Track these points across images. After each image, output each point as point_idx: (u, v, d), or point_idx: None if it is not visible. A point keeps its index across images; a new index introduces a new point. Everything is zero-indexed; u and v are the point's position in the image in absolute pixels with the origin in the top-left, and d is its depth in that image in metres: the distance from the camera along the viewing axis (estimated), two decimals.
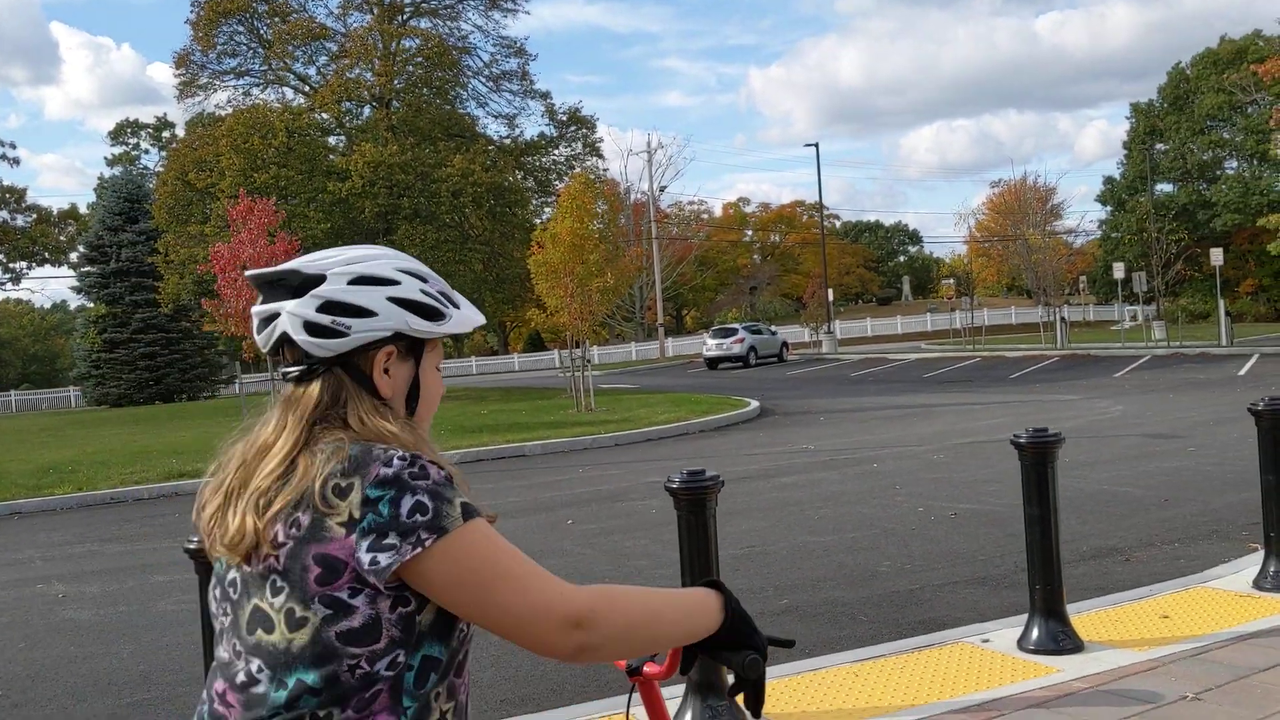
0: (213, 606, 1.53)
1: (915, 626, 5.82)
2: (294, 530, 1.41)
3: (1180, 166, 60.92)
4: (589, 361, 25.26)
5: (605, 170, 47.32)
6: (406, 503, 1.39)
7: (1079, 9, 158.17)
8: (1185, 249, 45.56)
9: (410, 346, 1.56)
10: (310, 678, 1.39)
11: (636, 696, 1.89)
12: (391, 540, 1.37)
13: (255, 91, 40.16)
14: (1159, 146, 62.36)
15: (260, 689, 1.41)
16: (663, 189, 68.01)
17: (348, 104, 37.70)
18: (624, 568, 7.76)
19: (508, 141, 40.31)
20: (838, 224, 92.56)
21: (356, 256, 1.55)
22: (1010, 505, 9.07)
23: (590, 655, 1.43)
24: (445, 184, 33.02)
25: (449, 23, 39.00)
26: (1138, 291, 39.23)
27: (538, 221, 35.18)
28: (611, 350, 58.90)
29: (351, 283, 1.52)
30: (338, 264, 1.54)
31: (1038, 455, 5.24)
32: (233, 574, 1.49)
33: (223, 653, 1.48)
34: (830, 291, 51.95)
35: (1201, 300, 54.75)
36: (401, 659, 1.41)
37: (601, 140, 42.13)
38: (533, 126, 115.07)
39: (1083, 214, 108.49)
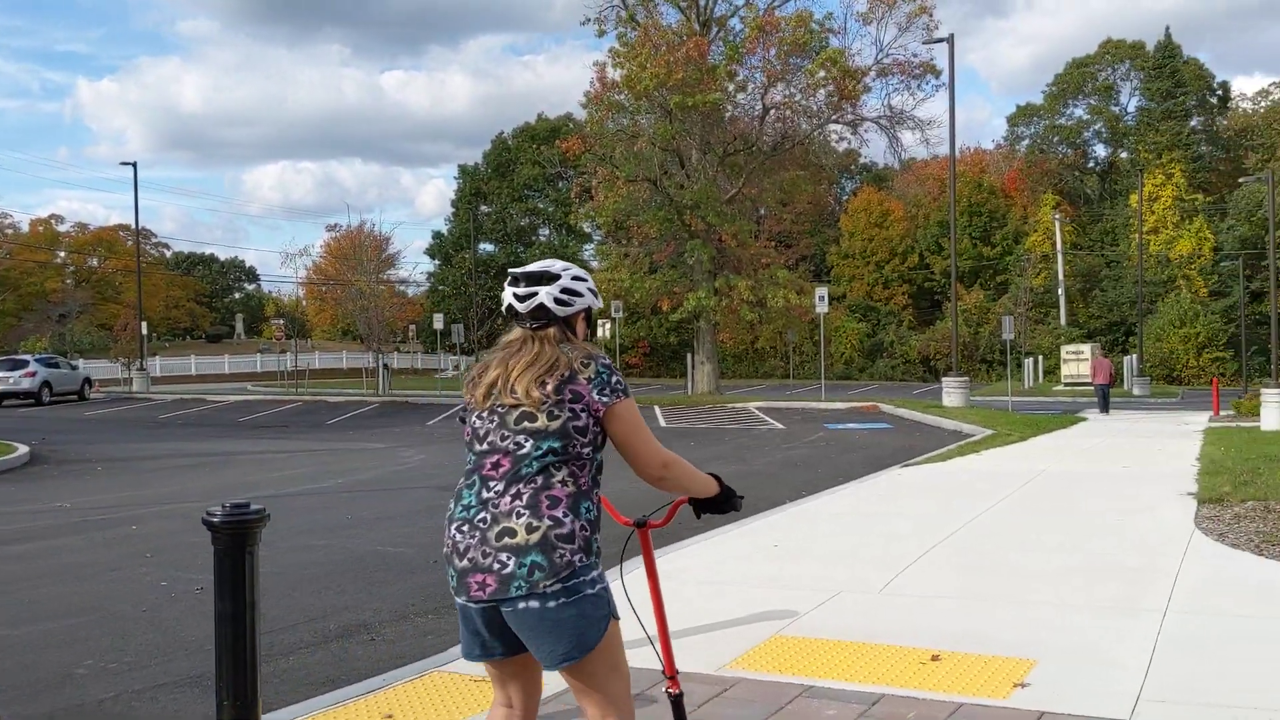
0: (475, 424, 3.01)
1: None
2: (562, 378, 2.90)
3: (501, 228, 65.88)
4: None
5: None
6: (613, 377, 2.96)
7: (422, 71, 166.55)
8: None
9: (586, 312, 3.15)
10: (556, 444, 2.89)
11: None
12: (606, 392, 2.92)
13: None
14: (483, 208, 66.97)
15: (525, 450, 2.89)
16: None
17: None
18: None
19: None
20: (169, 254, 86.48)
21: (566, 266, 3.11)
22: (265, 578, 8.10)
23: (662, 485, 3.05)
24: None
25: None
26: (457, 342, 41.12)
27: None
28: None
29: (573, 279, 3.08)
30: (561, 269, 3.08)
31: (235, 538, 4.23)
32: (498, 407, 2.96)
33: (493, 441, 2.94)
34: (146, 324, 47.69)
35: None
36: (589, 452, 2.95)
37: None
38: None
39: (414, 265, 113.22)
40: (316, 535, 10.16)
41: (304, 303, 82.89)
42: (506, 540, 2.83)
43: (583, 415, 2.90)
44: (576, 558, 2.83)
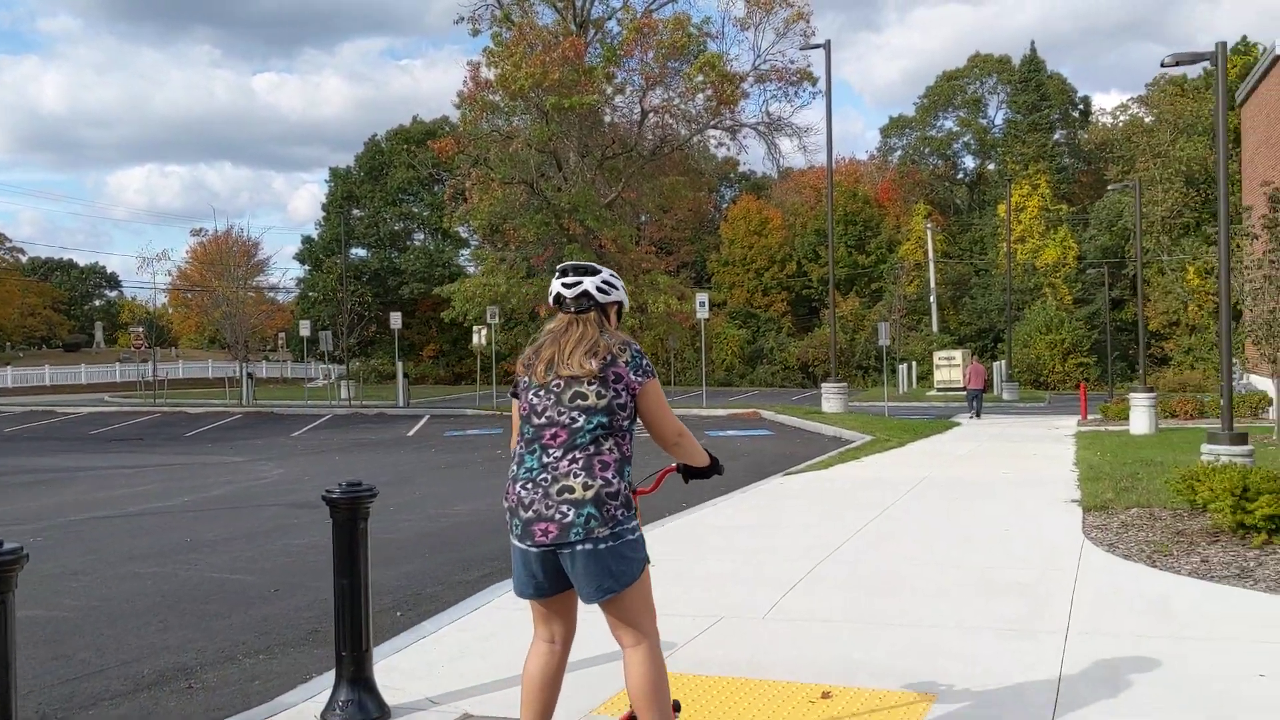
0: (533, 400, 3.57)
1: None
2: (605, 360, 3.51)
3: (374, 233, 64.13)
4: None
5: None
6: (644, 360, 3.58)
7: (295, 74, 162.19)
8: (375, 312, 47.47)
9: (618, 306, 3.75)
10: (604, 419, 3.49)
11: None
12: (640, 373, 3.53)
13: None
14: (356, 212, 65.09)
15: (579, 423, 3.48)
16: None
17: None
18: None
19: None
20: (24, 259, 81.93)
21: (603, 268, 3.74)
22: (65, 613, 7.19)
23: (675, 450, 3.69)
24: None
25: None
26: (327, 350, 39.64)
27: None
28: None
29: (610, 275, 3.71)
30: (601, 268, 3.71)
31: None
32: (556, 383, 3.54)
33: (550, 416, 3.52)
34: None
35: (390, 361, 57.71)
36: (628, 424, 3.55)
37: None
38: None
39: (284, 271, 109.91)
40: (148, 561, 9.18)
41: (169, 309, 79.47)
42: (567, 495, 3.47)
43: (623, 394, 3.55)
44: (620, 512, 3.49)
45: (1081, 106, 72.84)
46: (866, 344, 59.30)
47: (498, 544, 9.90)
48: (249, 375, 39.49)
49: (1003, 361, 48.77)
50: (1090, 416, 27.67)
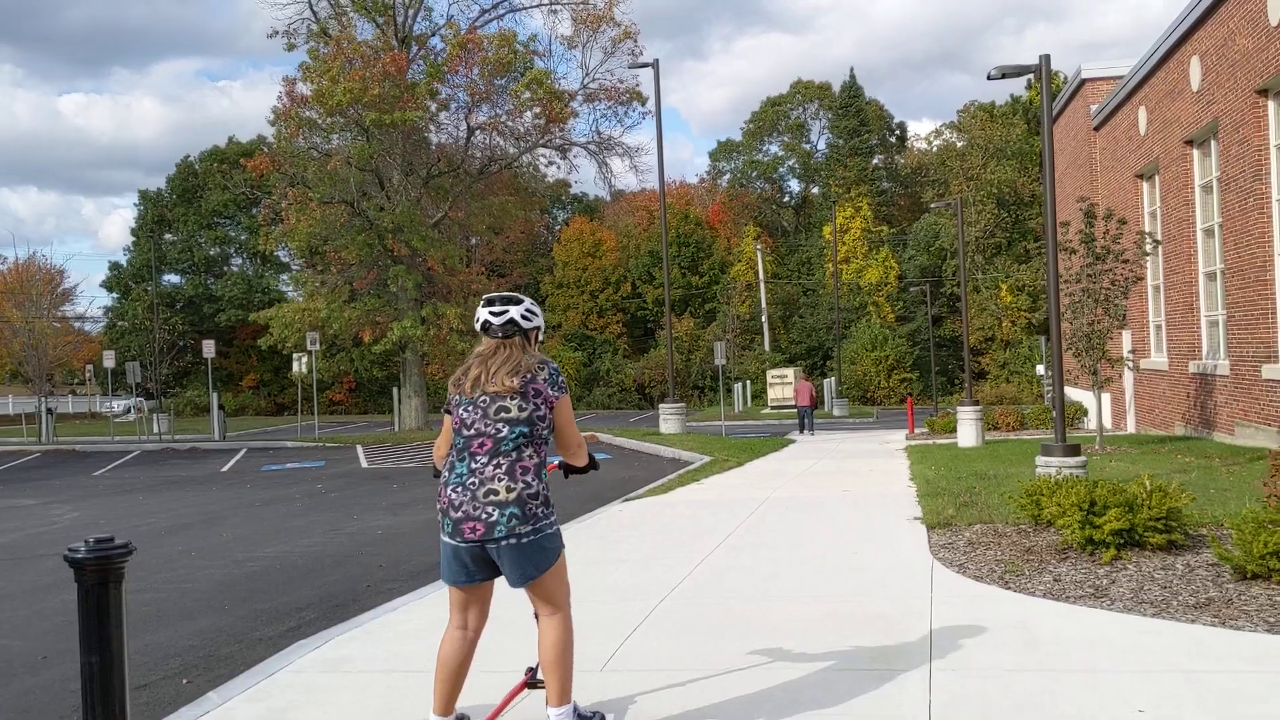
0: (463, 414, 4.08)
1: None
2: (526, 378, 4.05)
3: (189, 258, 60.93)
4: None
5: None
6: (560, 378, 4.18)
7: (106, 95, 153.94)
8: (190, 340, 44.87)
9: (536, 331, 4.30)
10: (525, 429, 4.02)
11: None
12: (556, 388, 4.07)
13: None
14: (169, 237, 61.74)
15: (503, 433, 4.00)
16: None
17: None
18: None
19: None
20: None
21: (524, 298, 4.26)
22: None
23: (573, 457, 4.34)
24: None
25: None
26: (134, 382, 37.13)
27: None
28: None
29: (530, 304, 4.28)
30: (523, 298, 4.25)
31: None
32: (483, 398, 4.05)
33: (478, 428, 4.03)
34: None
35: (208, 392, 54.81)
36: (546, 434, 4.08)
37: None
38: None
39: (91, 300, 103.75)
40: None
41: None
42: (492, 498, 4.01)
43: (542, 406, 4.11)
44: (540, 509, 4.07)
45: (898, 132, 75.49)
46: (702, 364, 59.66)
47: (309, 591, 8.97)
48: (49, 411, 36.61)
49: (832, 379, 49.70)
50: (918, 430, 28.16)
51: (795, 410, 34.41)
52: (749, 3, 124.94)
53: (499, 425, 4.03)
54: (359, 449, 29.23)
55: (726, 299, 63.86)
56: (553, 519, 4.10)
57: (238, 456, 27.67)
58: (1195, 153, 20.26)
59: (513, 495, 3.97)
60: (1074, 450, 11.41)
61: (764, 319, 64.47)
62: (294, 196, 31.78)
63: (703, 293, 67.34)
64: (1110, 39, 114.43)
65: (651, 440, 25.70)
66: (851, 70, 77.22)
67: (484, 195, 36.15)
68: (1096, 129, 27.46)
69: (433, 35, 34.76)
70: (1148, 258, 19.36)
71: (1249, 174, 16.78)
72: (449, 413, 4.18)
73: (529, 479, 4.02)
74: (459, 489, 4.02)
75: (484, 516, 3.96)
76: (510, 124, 33.34)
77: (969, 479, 13.66)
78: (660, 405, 29.20)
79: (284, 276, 59.52)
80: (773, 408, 49.92)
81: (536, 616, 4.26)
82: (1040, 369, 42.62)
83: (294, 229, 32.17)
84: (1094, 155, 27.64)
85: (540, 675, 4.32)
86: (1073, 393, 31.19)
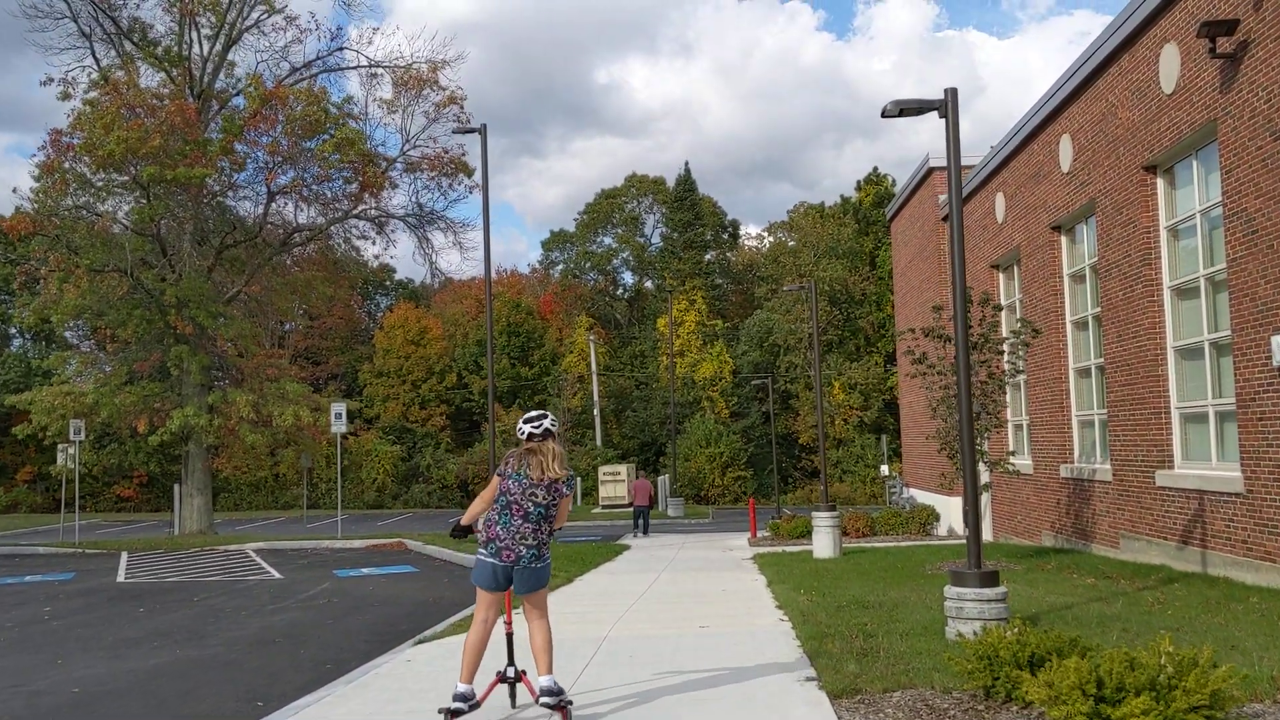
0: (511, 486, 6.84)
1: None
2: (569, 471, 7.06)
3: None
4: None
5: None
6: (574, 480, 10.26)
7: None
8: None
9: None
10: (544, 510, 6.88)
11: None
12: (568, 486, 7.01)
13: None
14: None
15: (530, 511, 6.83)
16: None
17: None
18: None
19: None
20: None
21: (548, 412, 7.43)
22: None
23: (554, 531, 7.12)
24: None
25: None
26: None
27: None
28: None
29: (553, 415, 9.09)
30: (549, 411, 7.72)
31: None
32: (526, 479, 6.84)
33: (518, 500, 6.80)
34: None
35: None
36: (554, 512, 6.96)
37: None
38: None
39: None
40: None
41: None
42: (522, 542, 6.69)
43: (557, 498, 6.83)
44: (545, 550, 6.80)
45: (730, 229, 75.12)
46: None
47: None
48: None
49: (666, 476, 47.35)
50: (760, 534, 25.87)
51: (630, 509, 31.94)
52: (584, 106, 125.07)
53: (528, 505, 6.73)
54: (123, 556, 24.95)
55: (557, 391, 61.10)
56: (548, 559, 6.85)
57: None
58: (1064, 239, 18.86)
59: (534, 542, 6.72)
60: (992, 579, 8.99)
61: (596, 412, 61.92)
62: (56, 262, 27.52)
63: (532, 384, 64.42)
64: (917, 157, 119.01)
65: (468, 548, 22.47)
66: (686, 164, 76.49)
67: (287, 269, 32.55)
68: (945, 219, 26.26)
69: (236, 94, 31.24)
70: (1025, 348, 17.62)
71: (1135, 258, 15.20)
72: (501, 476, 6.82)
73: (543, 536, 6.77)
74: (504, 530, 6.70)
75: (517, 551, 6.67)
76: (317, 189, 30.00)
77: (851, 609, 11.10)
78: None
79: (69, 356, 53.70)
80: (604, 507, 47.15)
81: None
82: (884, 469, 41.25)
83: (59, 300, 27.87)
84: (942, 245, 26.38)
85: (509, 674, 6.93)
86: (920, 495, 29.56)
